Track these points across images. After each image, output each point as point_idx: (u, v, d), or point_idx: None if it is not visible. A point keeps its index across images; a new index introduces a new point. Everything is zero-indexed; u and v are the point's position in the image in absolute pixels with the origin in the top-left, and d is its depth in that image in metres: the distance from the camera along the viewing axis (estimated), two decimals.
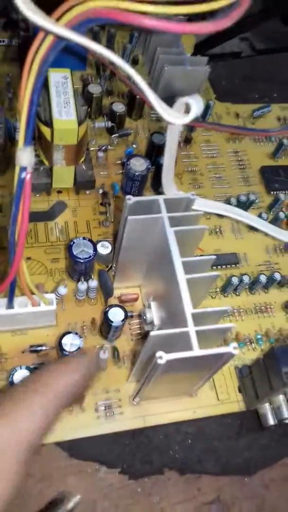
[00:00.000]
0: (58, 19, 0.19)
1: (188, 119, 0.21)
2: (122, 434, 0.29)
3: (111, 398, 0.30)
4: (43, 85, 0.21)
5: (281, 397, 0.27)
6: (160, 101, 0.21)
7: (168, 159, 0.25)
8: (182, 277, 0.24)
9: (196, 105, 0.21)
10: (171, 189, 0.28)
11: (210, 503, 0.28)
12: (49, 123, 0.32)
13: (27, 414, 0.20)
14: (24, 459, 0.19)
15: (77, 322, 0.32)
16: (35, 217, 0.36)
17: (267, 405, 0.29)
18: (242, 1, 0.20)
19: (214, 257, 0.26)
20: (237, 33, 0.46)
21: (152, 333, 0.23)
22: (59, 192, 0.37)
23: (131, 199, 0.26)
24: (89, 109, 0.40)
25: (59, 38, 0.19)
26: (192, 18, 0.21)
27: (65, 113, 0.32)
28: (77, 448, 0.28)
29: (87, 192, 0.37)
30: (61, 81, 0.33)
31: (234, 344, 0.23)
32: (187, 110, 0.22)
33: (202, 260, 0.25)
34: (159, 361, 0.22)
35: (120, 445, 0.29)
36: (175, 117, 0.21)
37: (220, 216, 0.38)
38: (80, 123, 0.32)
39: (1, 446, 0.19)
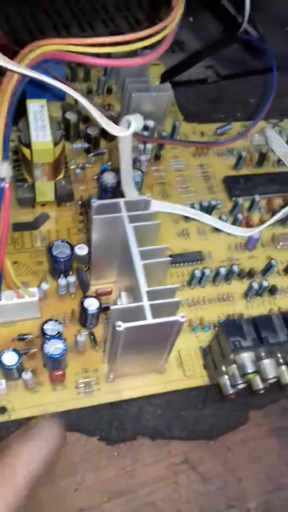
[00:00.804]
0: (20, 61, 0.25)
1: (128, 132, 0.26)
2: (100, 407, 0.33)
3: (90, 377, 0.34)
4: (15, 112, 0.27)
5: (234, 366, 0.32)
6: (105, 119, 0.26)
7: (124, 167, 0.30)
8: (138, 263, 0.29)
9: (135, 121, 0.26)
10: (131, 193, 0.33)
11: (179, 464, 0.32)
12: (28, 145, 0.37)
13: None
14: None
15: (59, 314, 0.37)
16: (21, 227, 0.41)
17: (225, 376, 0.33)
18: (164, 42, 0.25)
19: (166, 246, 0.30)
20: (195, 62, 0.52)
21: (112, 307, 0.27)
22: (43, 205, 0.42)
23: (95, 202, 0.31)
24: (65, 133, 0.46)
25: (22, 76, 0.25)
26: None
27: (41, 136, 0.37)
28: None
29: (67, 204, 0.43)
30: (38, 110, 0.39)
31: (182, 313, 0.27)
32: (129, 126, 0.27)
33: (156, 249, 0.30)
34: (118, 329, 0.26)
35: (98, 416, 0.33)
36: (118, 131, 0.26)
37: (187, 219, 0.43)
38: (55, 144, 0.38)
39: None
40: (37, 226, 0.41)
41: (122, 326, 0.26)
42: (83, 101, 0.26)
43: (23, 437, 0.28)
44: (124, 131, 0.27)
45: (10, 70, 0.24)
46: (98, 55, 0.25)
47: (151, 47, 0.27)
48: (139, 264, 0.29)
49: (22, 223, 0.41)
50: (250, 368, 0.30)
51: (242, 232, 0.41)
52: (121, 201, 0.32)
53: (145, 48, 0.27)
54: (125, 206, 0.32)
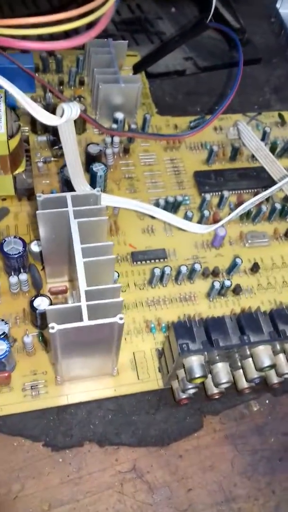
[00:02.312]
0: None
1: (61, 121, 0.25)
2: (47, 411, 0.32)
3: (38, 379, 0.33)
4: None
5: (183, 370, 0.30)
6: (38, 109, 0.25)
7: (69, 158, 0.29)
8: (80, 260, 0.28)
9: (68, 109, 0.25)
10: (80, 186, 0.31)
11: (126, 472, 0.31)
12: None
13: None
14: None
15: (11, 312, 0.35)
16: None
17: (177, 380, 0.32)
18: (99, 23, 0.24)
19: (111, 243, 0.29)
20: (167, 52, 0.50)
21: (47, 308, 0.26)
22: (3, 199, 0.41)
23: (41, 197, 0.30)
24: (32, 126, 0.44)
25: None
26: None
27: None
28: (5, 424, 0.31)
29: (28, 199, 0.41)
30: None
31: (121, 315, 0.26)
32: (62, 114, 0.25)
33: (100, 246, 0.29)
34: (51, 331, 0.25)
35: (45, 420, 0.32)
36: (50, 120, 0.25)
37: (152, 216, 0.41)
38: (11, 136, 0.36)
39: None
40: None
41: (55, 328, 0.25)
42: (11, 90, 0.24)
43: None
44: (57, 120, 0.25)
45: None
46: (25, 38, 0.23)
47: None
48: (80, 261, 0.28)
49: None
50: (197, 373, 0.28)
51: (199, 229, 0.40)
52: (67, 195, 0.30)
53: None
54: (71, 200, 0.30)
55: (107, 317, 0.26)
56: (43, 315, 0.33)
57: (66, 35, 0.31)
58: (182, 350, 0.28)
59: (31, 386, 0.32)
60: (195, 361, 0.29)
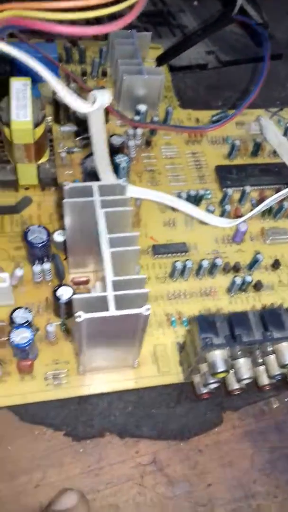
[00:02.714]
0: None
1: (93, 108, 0.25)
2: (68, 400, 0.32)
3: (60, 369, 0.33)
4: None
5: (205, 364, 0.30)
6: (73, 96, 0.25)
7: (97, 148, 0.29)
8: (107, 250, 0.28)
9: (101, 97, 0.25)
10: (107, 176, 0.31)
11: (146, 464, 0.31)
12: (9, 125, 0.36)
13: None
14: None
15: (34, 301, 0.35)
16: (2, 210, 0.39)
17: (198, 375, 0.32)
18: (134, 8, 0.24)
19: (137, 234, 0.29)
20: (191, 44, 0.50)
21: (74, 296, 0.26)
22: (26, 188, 0.41)
23: (67, 186, 0.30)
24: (55, 116, 0.44)
25: None
26: None
27: (22, 115, 0.35)
28: (27, 413, 0.31)
29: (52, 189, 0.41)
30: (21, 88, 0.37)
31: (147, 306, 0.26)
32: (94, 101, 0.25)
33: (126, 237, 0.29)
34: (78, 320, 0.25)
35: (66, 410, 0.32)
36: (82, 107, 0.25)
37: (174, 209, 0.41)
38: (37, 124, 0.36)
39: None
40: (19, 210, 0.40)
41: (82, 316, 0.25)
42: (46, 75, 0.24)
43: None
44: (89, 107, 0.25)
45: None
46: (60, 22, 0.23)
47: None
48: (107, 251, 0.28)
49: (4, 206, 0.40)
50: (220, 367, 0.28)
51: (221, 223, 0.39)
52: (94, 185, 0.30)
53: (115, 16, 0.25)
54: (98, 190, 0.30)
55: (133, 308, 0.26)
56: (66, 304, 0.33)
57: (97, 21, 0.31)
58: (205, 344, 0.28)
59: (53, 376, 0.32)
60: (218, 356, 0.28)
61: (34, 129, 0.36)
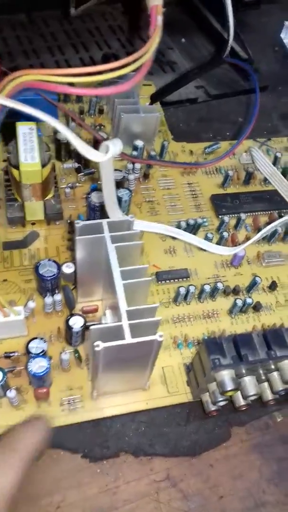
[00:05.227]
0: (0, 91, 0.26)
1: (106, 157, 0.27)
2: (83, 424, 0.34)
3: (74, 394, 0.35)
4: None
5: (214, 383, 0.32)
6: (84, 145, 0.27)
7: (106, 190, 0.31)
8: (119, 283, 0.30)
9: (113, 147, 0.27)
10: (115, 214, 0.34)
11: (160, 481, 0.33)
12: (17, 167, 0.38)
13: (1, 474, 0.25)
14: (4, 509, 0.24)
15: (46, 331, 0.37)
16: (11, 245, 0.42)
17: (207, 393, 0.34)
18: (139, 72, 0.26)
19: (146, 266, 0.31)
20: (183, 84, 0.53)
21: (92, 327, 0.28)
22: (33, 223, 0.43)
23: (79, 223, 0.32)
24: (57, 153, 0.47)
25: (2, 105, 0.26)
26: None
27: (30, 157, 0.38)
28: None
29: (57, 222, 0.43)
30: (28, 132, 0.40)
31: (160, 332, 0.28)
32: (107, 151, 0.28)
33: (136, 269, 0.31)
34: (97, 349, 0.27)
35: (82, 433, 0.34)
36: (96, 156, 0.27)
37: (174, 238, 0.44)
38: (44, 165, 0.39)
39: None
40: (26, 244, 0.42)
41: (100, 346, 0.27)
42: (62, 129, 0.27)
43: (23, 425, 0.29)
44: (103, 157, 0.28)
45: None
46: (72, 84, 0.26)
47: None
48: (120, 284, 0.30)
49: (12, 242, 0.42)
50: (229, 386, 0.31)
51: (223, 251, 0.42)
52: (104, 222, 0.33)
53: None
54: (108, 226, 0.32)
55: (146, 335, 0.28)
56: (78, 333, 0.35)
57: None
58: (214, 365, 0.30)
59: (68, 401, 0.34)
60: (226, 375, 0.31)
61: (42, 170, 0.39)
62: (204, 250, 0.43)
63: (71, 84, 0.26)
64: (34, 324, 0.38)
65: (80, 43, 0.63)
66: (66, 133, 0.27)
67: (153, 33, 0.28)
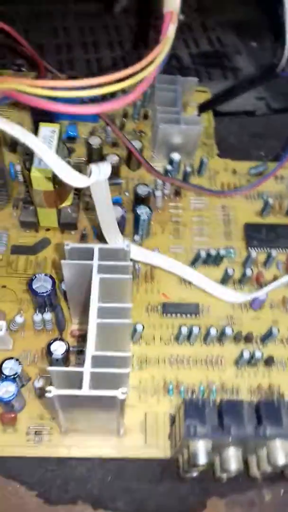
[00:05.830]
0: None
1: (89, 182, 0.24)
2: (47, 460, 0.31)
3: (44, 425, 0.32)
4: None
5: (187, 451, 0.28)
6: (66, 171, 0.24)
7: (101, 214, 0.28)
8: (93, 320, 0.27)
9: (96, 170, 0.24)
10: (113, 239, 0.30)
11: None
12: (30, 170, 0.36)
13: None
14: None
15: (31, 349, 0.35)
16: (19, 250, 0.40)
17: (181, 457, 0.30)
18: (139, 87, 0.23)
19: (129, 306, 0.28)
20: (233, 96, 0.48)
21: (49, 368, 0.25)
22: (48, 230, 0.41)
23: (68, 245, 0.29)
24: (87, 159, 0.44)
25: None
26: None
27: (44, 163, 0.36)
28: (3, 466, 0.31)
29: (72, 232, 0.41)
30: (49, 134, 0.37)
31: (124, 389, 0.25)
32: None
33: (118, 308, 0.28)
34: (48, 395, 0.24)
35: (43, 469, 0.31)
36: (79, 181, 0.24)
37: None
38: None
39: None
40: (36, 251, 0.40)
41: (52, 392, 0.24)
42: (40, 151, 0.24)
43: None
44: (85, 182, 0.24)
45: None
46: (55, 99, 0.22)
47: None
48: (93, 321, 0.27)
49: (22, 246, 0.40)
50: (202, 460, 0.26)
51: (232, 297, 0.37)
52: (95, 247, 0.29)
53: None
54: (98, 253, 0.29)
55: (111, 387, 0.25)
56: (59, 360, 0.32)
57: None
58: (188, 432, 0.26)
59: (35, 431, 0.32)
60: (200, 446, 0.27)
61: (56, 177, 0.36)
62: (223, 285, 0.39)
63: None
64: (22, 339, 0.35)
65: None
66: (44, 155, 0.24)
67: (161, 44, 0.24)
